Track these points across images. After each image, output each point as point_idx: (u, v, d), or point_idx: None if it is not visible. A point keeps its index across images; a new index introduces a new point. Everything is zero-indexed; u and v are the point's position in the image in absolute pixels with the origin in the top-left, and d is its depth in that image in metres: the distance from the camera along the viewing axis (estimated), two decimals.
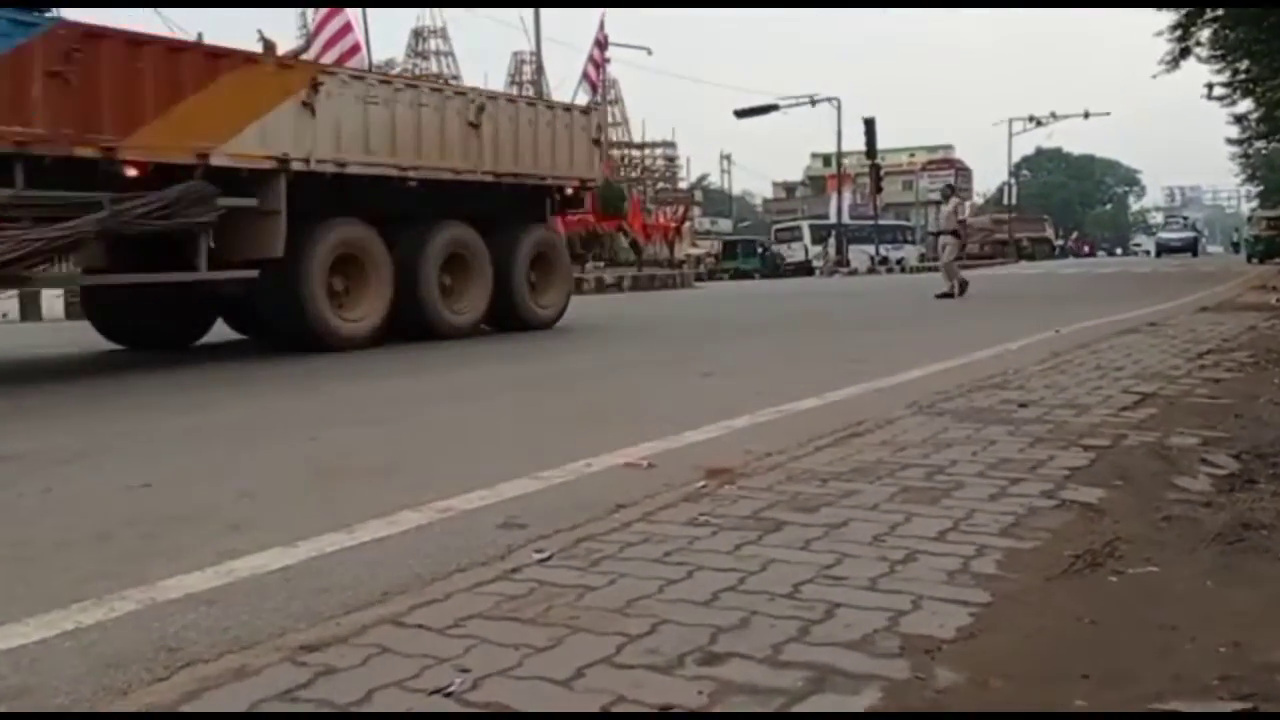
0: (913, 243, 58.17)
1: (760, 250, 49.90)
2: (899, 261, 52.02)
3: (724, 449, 4.67)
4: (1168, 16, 28.91)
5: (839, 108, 52.24)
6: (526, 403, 6.80)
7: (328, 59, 19.37)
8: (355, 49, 21.47)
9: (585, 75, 35.52)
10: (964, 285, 19.56)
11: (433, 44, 68.96)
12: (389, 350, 10.85)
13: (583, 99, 32.90)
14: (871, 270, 48.04)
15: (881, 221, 56.75)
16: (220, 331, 12.81)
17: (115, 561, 3.35)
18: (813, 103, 51.83)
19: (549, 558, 2.97)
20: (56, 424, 6.34)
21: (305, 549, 3.35)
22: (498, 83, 59.91)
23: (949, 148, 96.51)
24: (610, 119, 61.81)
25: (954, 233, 20.24)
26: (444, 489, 4.09)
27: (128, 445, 5.53)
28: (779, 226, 56.76)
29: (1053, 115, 67.08)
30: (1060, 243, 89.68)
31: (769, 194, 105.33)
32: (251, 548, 3.39)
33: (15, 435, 5.91)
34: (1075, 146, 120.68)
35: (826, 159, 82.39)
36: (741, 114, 49.24)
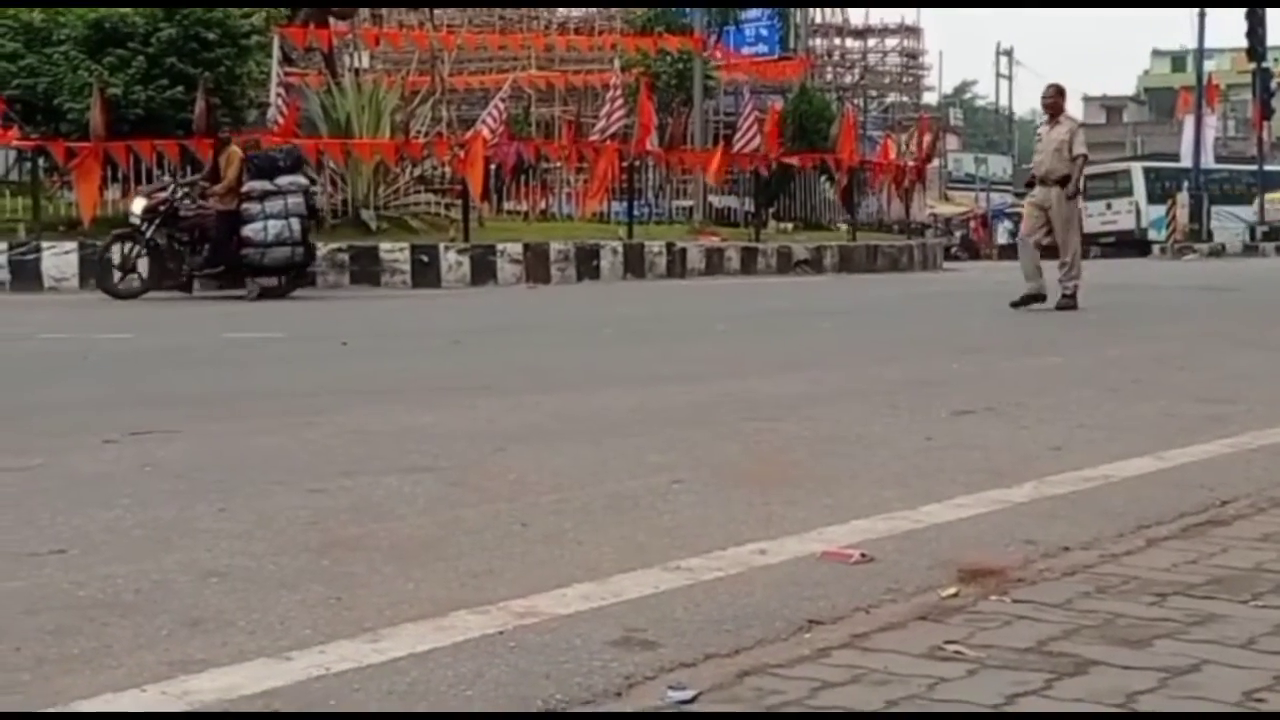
0: None
1: None
2: None
3: (990, 536, 3.38)
4: None
5: None
6: (671, 446, 4.85)
7: None
8: None
9: None
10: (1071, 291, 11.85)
11: None
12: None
13: None
14: (1250, 248, 32.97)
15: (1272, 167, 38.16)
16: None
17: None
18: None
19: (693, 699, 2.21)
20: None
21: (296, 665, 2.31)
22: None
23: None
24: None
25: (1064, 182, 11.86)
26: (522, 581, 2.90)
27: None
28: (1094, 172, 40.48)
29: None
30: None
31: (1077, 116, 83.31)
32: (222, 657, 2.34)
33: None
34: None
35: (1178, 61, 59.50)
36: None
